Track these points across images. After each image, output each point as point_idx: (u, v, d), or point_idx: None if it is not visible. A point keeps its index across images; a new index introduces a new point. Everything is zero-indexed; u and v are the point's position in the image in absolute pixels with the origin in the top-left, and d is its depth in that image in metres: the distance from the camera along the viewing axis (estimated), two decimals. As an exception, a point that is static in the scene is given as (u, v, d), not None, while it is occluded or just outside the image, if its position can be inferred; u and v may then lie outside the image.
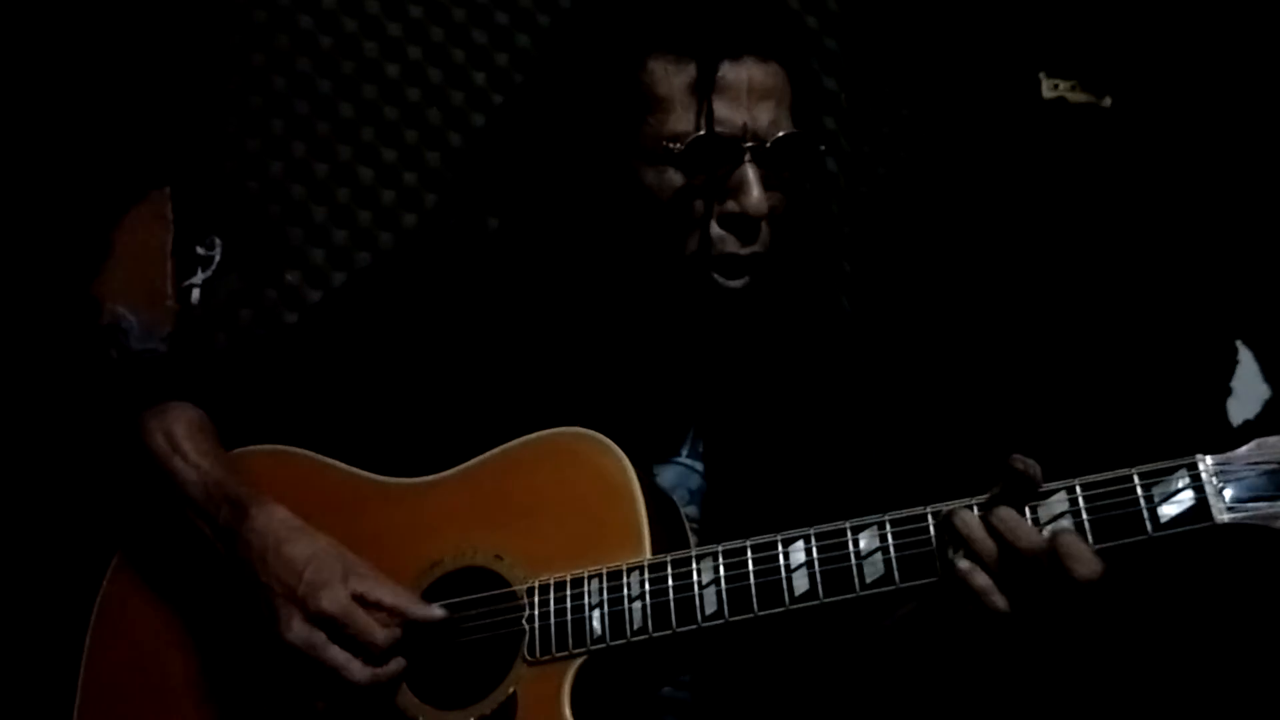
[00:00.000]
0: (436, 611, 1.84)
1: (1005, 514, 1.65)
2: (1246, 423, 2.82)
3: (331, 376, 2.07)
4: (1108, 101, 2.81)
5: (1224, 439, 2.51)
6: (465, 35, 2.68)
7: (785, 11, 2.05)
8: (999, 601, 1.65)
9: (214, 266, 2.61)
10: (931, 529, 1.71)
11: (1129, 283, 2.80)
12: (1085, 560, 1.61)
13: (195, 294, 2.61)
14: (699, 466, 2.05)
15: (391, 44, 2.66)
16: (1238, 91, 2.80)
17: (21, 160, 2.57)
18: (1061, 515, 1.67)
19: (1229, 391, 2.80)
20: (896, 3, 2.79)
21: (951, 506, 1.71)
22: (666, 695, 1.97)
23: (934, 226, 2.79)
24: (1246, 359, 2.84)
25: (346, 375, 2.07)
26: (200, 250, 2.62)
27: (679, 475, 2.04)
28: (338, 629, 1.81)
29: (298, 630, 1.82)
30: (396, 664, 1.82)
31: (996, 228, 2.79)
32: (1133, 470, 1.65)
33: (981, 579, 1.64)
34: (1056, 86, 2.80)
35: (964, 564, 1.65)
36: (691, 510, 2.01)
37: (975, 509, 1.69)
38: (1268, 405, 2.82)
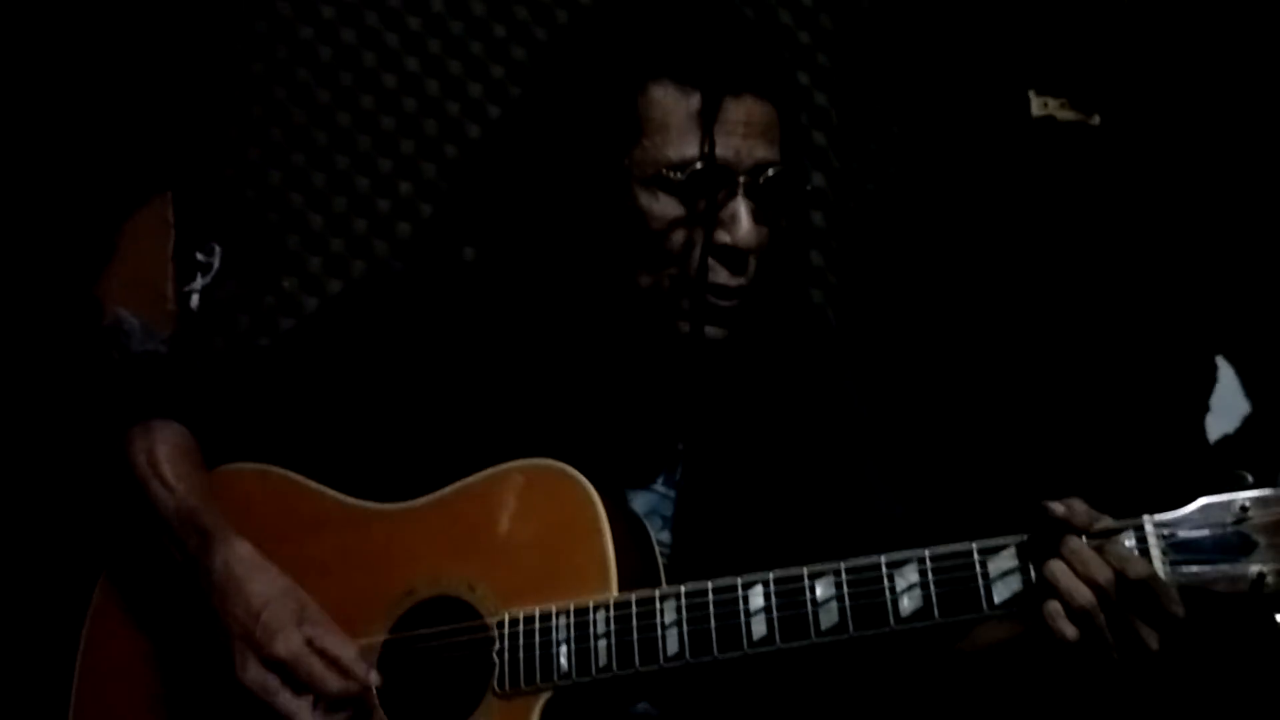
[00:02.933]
0: (372, 679, 1.90)
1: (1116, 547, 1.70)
2: (1225, 438, 2.87)
3: (314, 399, 2.12)
4: (1096, 119, 2.85)
5: (1198, 462, 2.57)
6: (462, 47, 2.74)
7: (781, 53, 2.07)
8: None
9: (213, 273, 2.68)
10: (884, 579, 1.77)
11: (1114, 298, 2.84)
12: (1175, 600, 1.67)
13: (195, 299, 2.67)
14: (672, 494, 2.10)
15: (389, 55, 2.72)
16: (1225, 109, 2.83)
17: (26, 164, 2.63)
18: (1011, 572, 1.73)
19: (1207, 408, 2.84)
20: (888, 20, 2.82)
21: (902, 556, 1.77)
22: (640, 711, 2.03)
23: (922, 243, 2.83)
24: (1226, 375, 2.88)
25: (329, 398, 2.12)
26: (200, 256, 2.68)
27: (653, 502, 2.09)
28: (290, 674, 1.88)
29: (252, 673, 1.88)
30: (345, 715, 1.89)
31: (984, 244, 2.83)
32: (1082, 530, 1.71)
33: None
34: (1046, 104, 2.83)
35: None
36: (665, 536, 2.07)
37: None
38: (1247, 421, 2.86)
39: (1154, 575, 1.66)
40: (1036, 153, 2.84)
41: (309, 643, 1.90)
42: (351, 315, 2.17)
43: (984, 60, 2.84)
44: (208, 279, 2.68)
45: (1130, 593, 1.68)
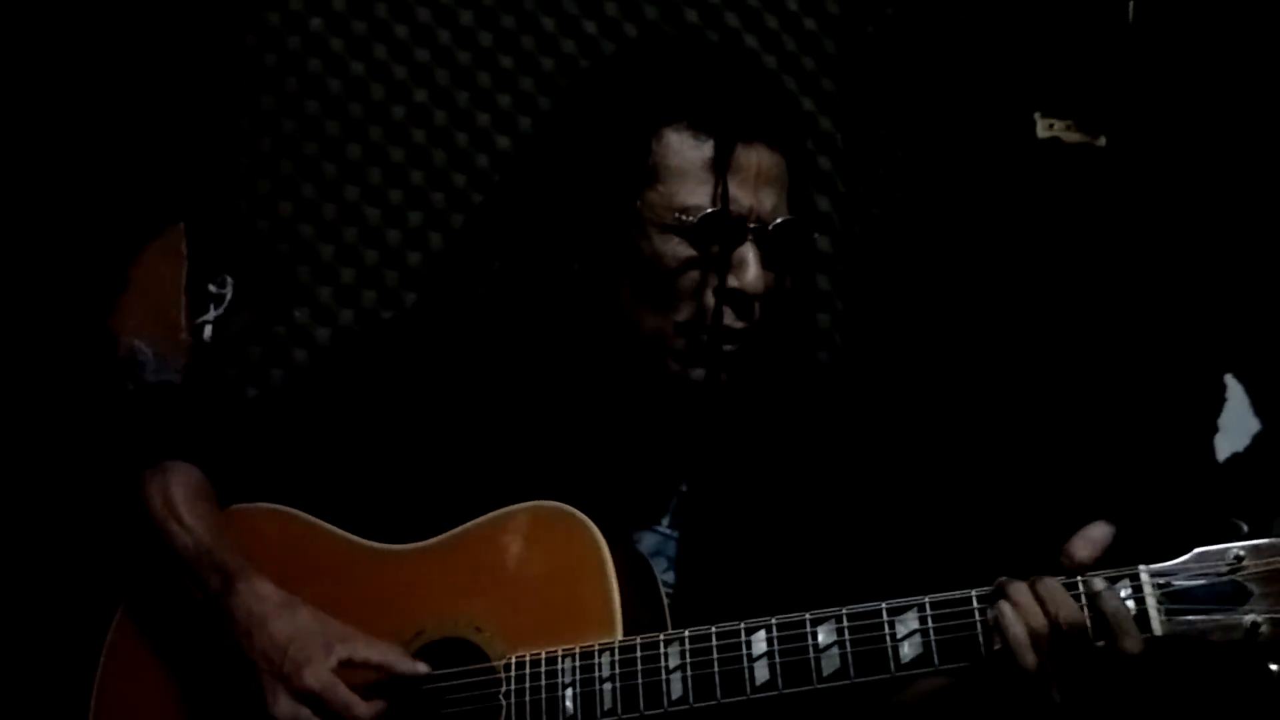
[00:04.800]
0: (421, 667, 1.93)
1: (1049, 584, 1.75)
2: (1235, 455, 2.87)
3: (324, 440, 2.15)
4: (1102, 141, 2.85)
5: (1195, 507, 2.58)
6: (470, 78, 2.75)
7: (793, 103, 2.12)
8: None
9: (225, 304, 2.70)
10: (885, 625, 1.79)
11: (1120, 319, 2.85)
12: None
13: (207, 331, 2.70)
14: (676, 535, 2.13)
15: (397, 86, 2.74)
16: (1231, 130, 2.83)
17: (39, 197, 2.66)
18: (1009, 615, 1.75)
19: (1215, 429, 2.85)
20: (892, 45, 2.83)
21: (902, 603, 1.79)
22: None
23: (929, 267, 2.84)
24: (1236, 393, 2.89)
25: (338, 440, 2.15)
26: (212, 288, 2.71)
27: (658, 543, 2.12)
28: (321, 705, 1.91)
29: (284, 707, 1.91)
30: None
31: (991, 267, 2.84)
32: (1077, 579, 1.73)
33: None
34: (1051, 126, 2.84)
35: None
36: (670, 577, 2.09)
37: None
38: (1257, 439, 2.87)
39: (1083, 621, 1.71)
40: (1042, 175, 2.84)
41: (344, 662, 1.93)
42: (360, 358, 2.21)
43: (989, 83, 2.84)
44: (220, 310, 2.70)
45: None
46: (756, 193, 1.98)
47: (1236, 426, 2.87)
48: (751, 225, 1.98)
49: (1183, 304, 2.86)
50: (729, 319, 2.00)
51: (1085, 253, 2.85)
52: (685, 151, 1.98)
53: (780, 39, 2.80)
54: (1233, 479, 2.72)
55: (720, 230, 1.97)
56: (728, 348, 2.02)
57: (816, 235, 2.09)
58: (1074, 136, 2.84)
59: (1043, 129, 2.84)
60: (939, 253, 2.84)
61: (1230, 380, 2.88)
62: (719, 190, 1.96)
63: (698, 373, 2.02)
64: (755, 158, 1.98)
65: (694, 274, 1.99)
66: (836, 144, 2.80)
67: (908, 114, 2.84)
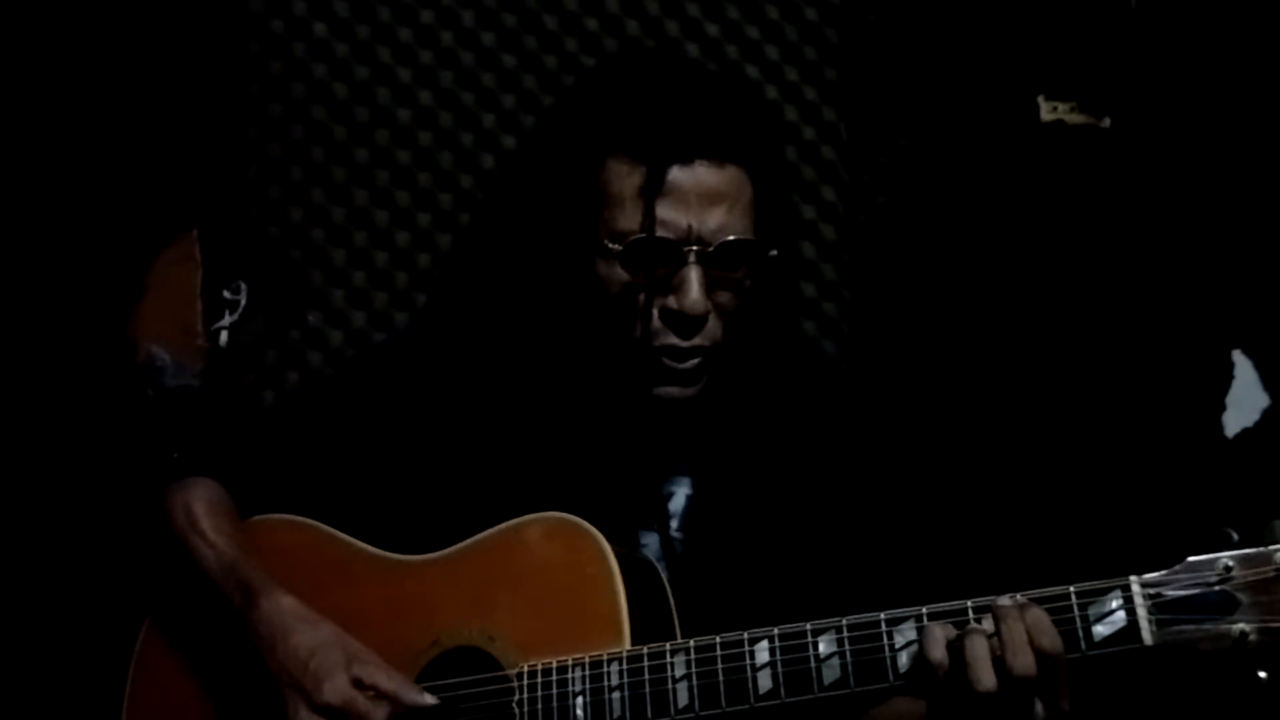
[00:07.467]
0: (428, 699, 1.98)
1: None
2: (1245, 431, 2.89)
3: (339, 454, 2.20)
4: (1106, 122, 2.86)
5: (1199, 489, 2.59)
6: (473, 79, 2.78)
7: (749, 116, 2.10)
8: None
9: (240, 310, 2.75)
10: (884, 635, 1.83)
11: (1127, 300, 2.86)
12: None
13: (223, 337, 2.75)
14: (681, 536, 2.17)
15: (402, 91, 2.77)
16: (1235, 107, 2.83)
17: (55, 207, 2.70)
18: (1003, 628, 1.78)
19: (1223, 407, 2.87)
20: (894, 32, 2.84)
21: (900, 613, 1.82)
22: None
23: (935, 254, 2.86)
24: (1244, 369, 2.90)
25: (353, 453, 2.20)
26: (226, 295, 2.76)
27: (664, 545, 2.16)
28: (341, 718, 1.97)
29: (305, 719, 1.97)
30: None
31: (997, 252, 2.85)
32: (1070, 588, 1.76)
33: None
34: (1055, 109, 2.85)
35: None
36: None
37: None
38: (1266, 414, 2.89)
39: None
40: (1047, 157, 2.85)
41: (359, 682, 1.98)
42: (373, 372, 2.25)
43: (992, 67, 2.85)
44: (235, 316, 2.75)
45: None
46: (697, 213, 2.01)
47: (1245, 402, 2.89)
48: (692, 247, 2.02)
49: (1189, 283, 2.87)
50: (673, 339, 2.05)
51: (1092, 235, 2.86)
52: (621, 179, 2.03)
53: (782, 29, 2.81)
54: (1233, 471, 2.74)
55: (652, 254, 2.01)
56: (691, 363, 2.06)
57: (774, 252, 2.09)
58: (1078, 118, 2.85)
59: (1046, 111, 2.84)
60: (945, 239, 2.86)
61: (1239, 356, 2.89)
62: (646, 217, 2.00)
63: (668, 390, 2.08)
64: (693, 177, 2.01)
65: (637, 298, 2.04)
66: (840, 133, 2.81)
67: (911, 101, 2.85)
